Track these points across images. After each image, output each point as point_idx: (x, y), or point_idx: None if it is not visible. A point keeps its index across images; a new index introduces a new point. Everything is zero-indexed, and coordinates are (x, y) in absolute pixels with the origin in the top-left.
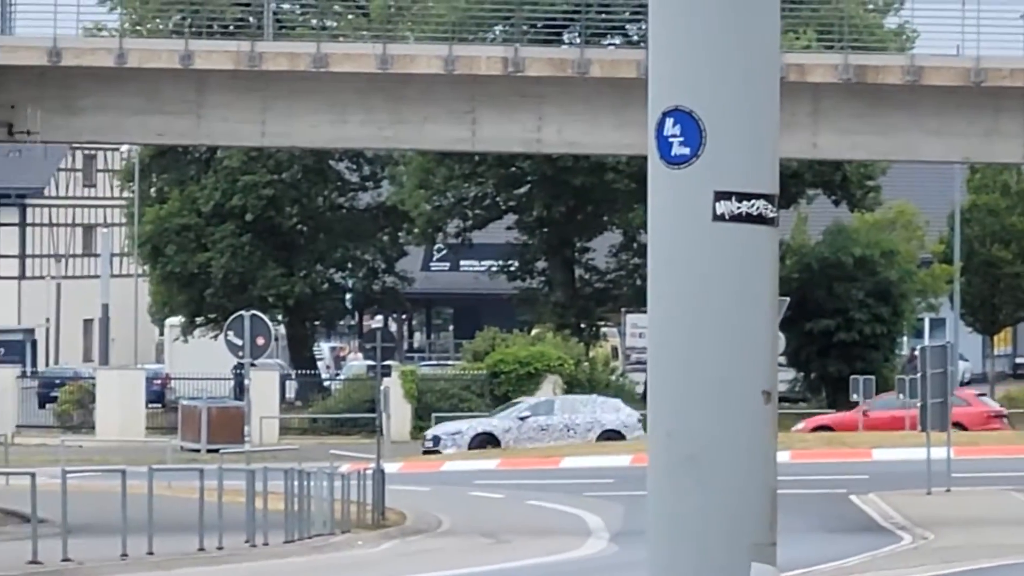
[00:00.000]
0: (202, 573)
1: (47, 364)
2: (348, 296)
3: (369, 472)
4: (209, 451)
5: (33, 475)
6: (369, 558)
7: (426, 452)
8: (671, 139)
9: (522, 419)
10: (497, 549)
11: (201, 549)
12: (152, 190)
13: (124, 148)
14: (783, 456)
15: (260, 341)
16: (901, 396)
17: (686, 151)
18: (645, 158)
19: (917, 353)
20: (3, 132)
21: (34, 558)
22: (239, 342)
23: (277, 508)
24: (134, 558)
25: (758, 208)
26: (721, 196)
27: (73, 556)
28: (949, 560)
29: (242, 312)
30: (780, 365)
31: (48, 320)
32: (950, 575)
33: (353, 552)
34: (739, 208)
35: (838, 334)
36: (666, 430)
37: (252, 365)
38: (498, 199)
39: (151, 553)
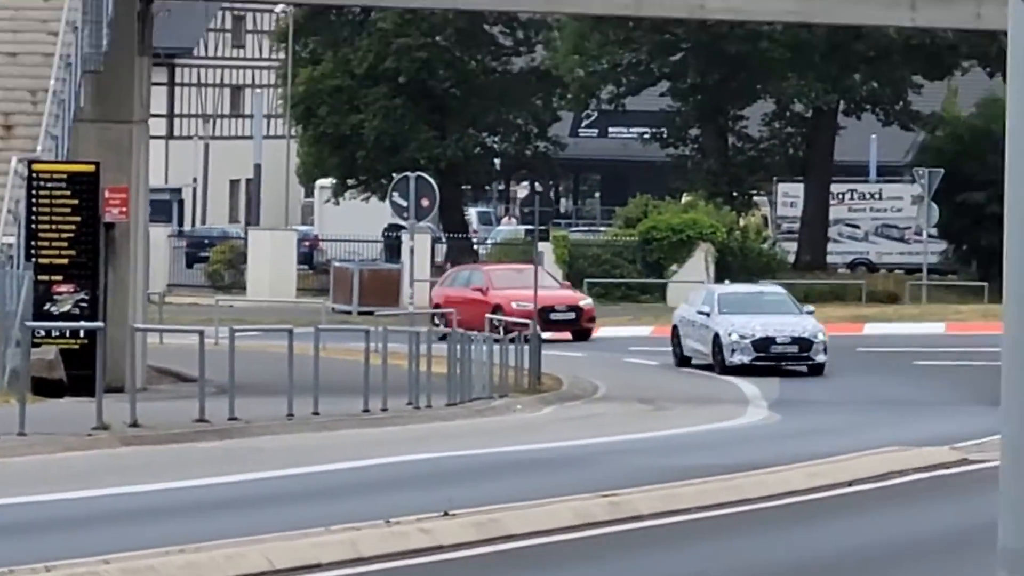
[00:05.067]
0: (369, 434)
1: (193, 224)
2: (497, 160)
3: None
4: (360, 313)
5: (202, 333)
6: (533, 422)
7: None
8: None
9: None
10: (658, 416)
11: (366, 410)
12: (305, 52)
13: (279, 8)
14: (938, 328)
15: (425, 203)
16: None
17: None
18: (801, 26)
19: None
20: None
21: (201, 416)
22: (404, 203)
23: (438, 372)
24: (300, 418)
25: None
26: None
27: (239, 415)
28: None
29: (408, 173)
30: (932, 237)
31: (195, 180)
32: None
33: (515, 416)
34: None
35: (990, 206)
36: None
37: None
38: (652, 65)
39: (316, 413)
